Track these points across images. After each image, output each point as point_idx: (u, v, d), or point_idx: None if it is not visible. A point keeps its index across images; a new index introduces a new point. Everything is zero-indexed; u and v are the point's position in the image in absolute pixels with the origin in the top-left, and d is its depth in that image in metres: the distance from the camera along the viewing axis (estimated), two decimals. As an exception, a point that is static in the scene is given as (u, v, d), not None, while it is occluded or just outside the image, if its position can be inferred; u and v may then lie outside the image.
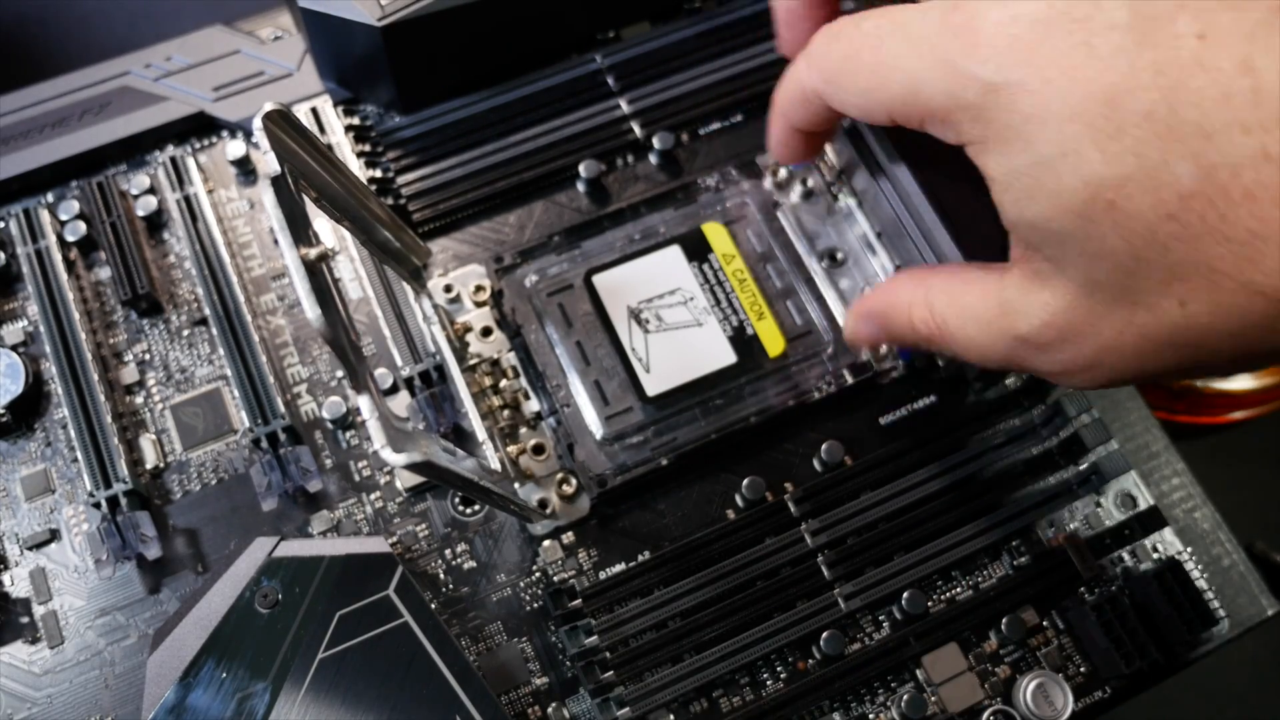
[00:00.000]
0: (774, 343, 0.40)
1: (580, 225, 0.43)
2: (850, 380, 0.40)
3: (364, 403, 0.26)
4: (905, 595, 0.37)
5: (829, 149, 0.42)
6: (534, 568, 0.38)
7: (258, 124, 0.26)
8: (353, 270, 0.43)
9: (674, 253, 0.41)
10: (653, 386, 0.39)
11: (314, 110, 0.44)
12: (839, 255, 0.41)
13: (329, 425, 0.40)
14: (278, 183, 0.26)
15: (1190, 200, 0.20)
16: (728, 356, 0.40)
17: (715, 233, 0.42)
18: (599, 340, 0.40)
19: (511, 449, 0.39)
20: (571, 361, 0.39)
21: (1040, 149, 0.22)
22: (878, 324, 0.32)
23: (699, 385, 0.39)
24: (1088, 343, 0.24)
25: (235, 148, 0.44)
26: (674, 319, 0.40)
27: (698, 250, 0.41)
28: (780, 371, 0.40)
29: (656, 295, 0.41)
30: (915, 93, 0.25)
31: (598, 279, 0.41)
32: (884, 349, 0.40)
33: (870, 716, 0.36)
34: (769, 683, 0.37)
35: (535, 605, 0.38)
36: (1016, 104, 0.22)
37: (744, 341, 0.40)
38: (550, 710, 0.36)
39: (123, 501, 0.37)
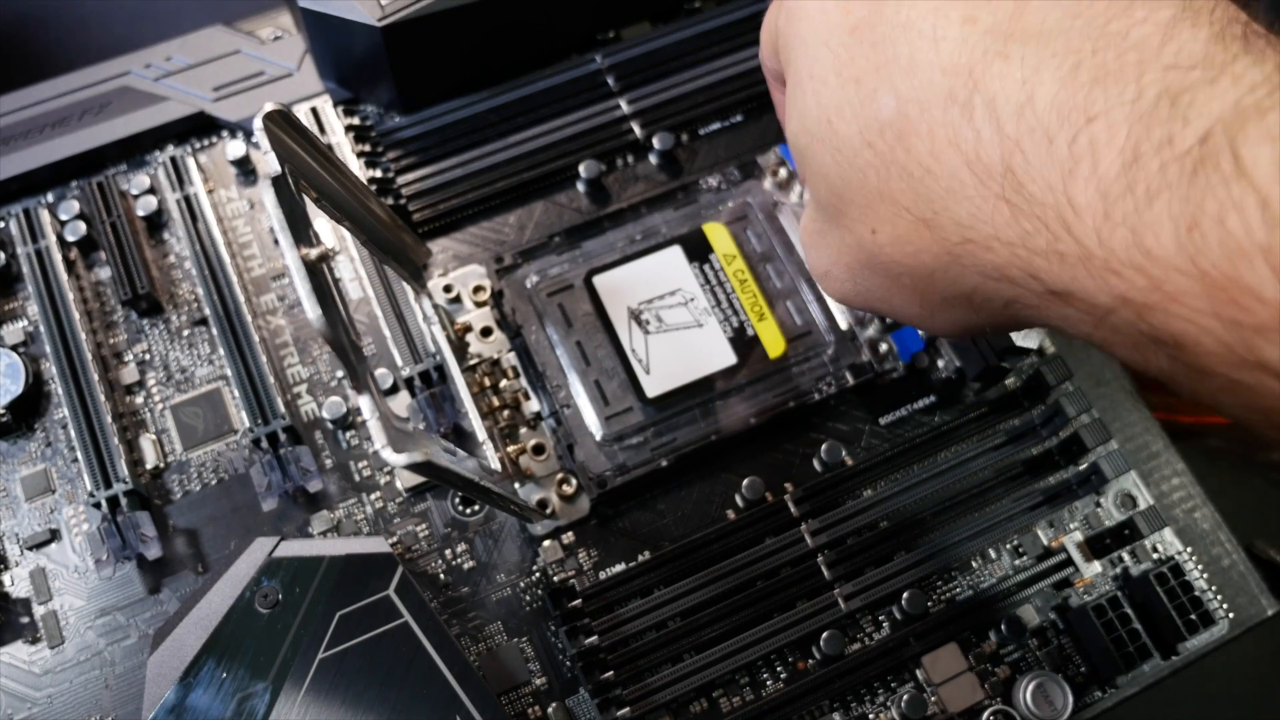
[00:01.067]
0: (775, 344, 0.40)
1: (581, 225, 0.43)
2: (851, 381, 0.40)
3: (364, 403, 0.26)
4: (905, 595, 0.37)
5: None
6: (534, 568, 0.38)
7: (258, 124, 0.26)
8: (353, 270, 0.43)
9: (674, 253, 0.41)
10: (653, 388, 0.39)
11: (314, 110, 0.44)
12: None
13: (329, 425, 0.40)
14: (278, 183, 0.26)
15: (885, 131, 0.21)
16: (728, 357, 0.39)
17: (716, 233, 0.42)
18: (599, 341, 0.40)
19: (511, 449, 0.39)
20: (572, 362, 0.39)
21: (800, 70, 0.24)
22: None
23: (699, 386, 0.39)
24: (821, 254, 0.26)
25: (235, 148, 0.44)
26: (674, 320, 0.40)
27: (698, 251, 0.41)
28: (781, 373, 0.40)
29: (657, 296, 0.41)
30: (765, 33, 0.27)
31: (598, 279, 0.41)
32: (884, 348, 0.40)
33: (870, 716, 0.36)
34: (769, 683, 0.37)
35: (535, 605, 0.38)
36: (798, 30, 0.24)
37: (744, 342, 0.40)
38: (550, 710, 0.36)
39: (123, 501, 0.37)
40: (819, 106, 0.23)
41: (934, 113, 0.20)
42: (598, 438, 0.38)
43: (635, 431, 0.39)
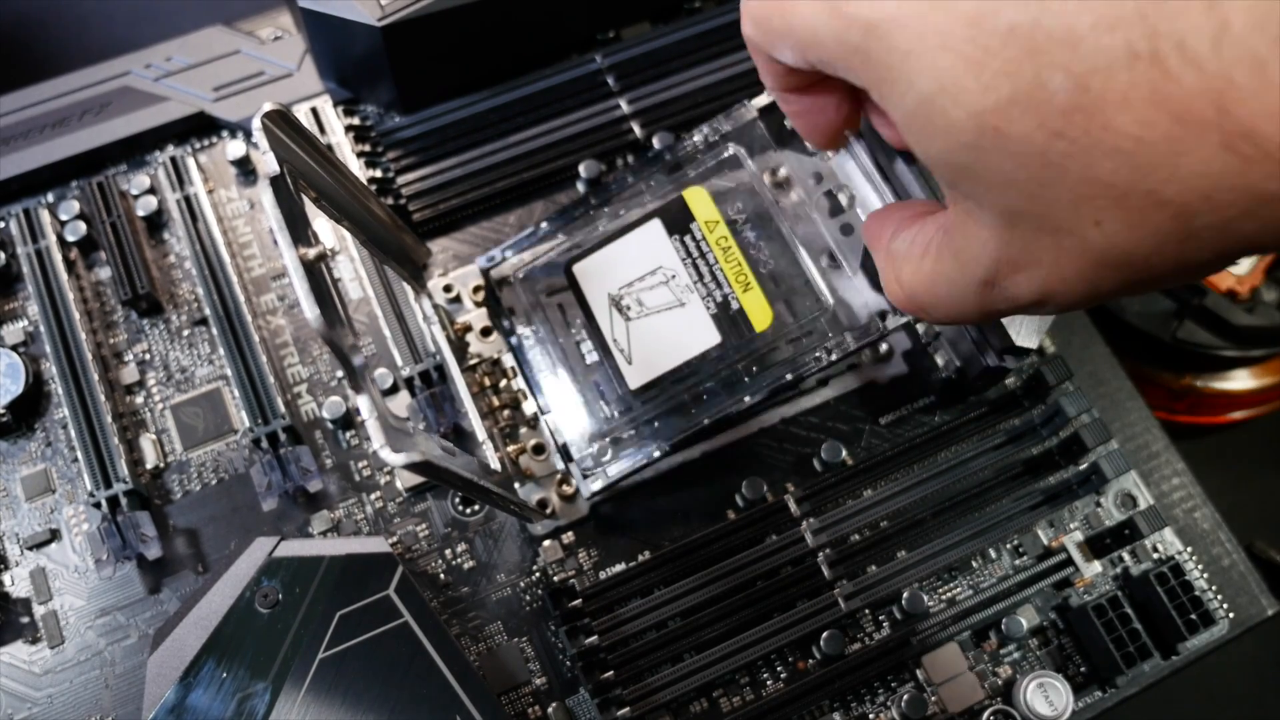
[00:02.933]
0: (761, 315, 0.37)
1: (565, 209, 0.41)
2: (853, 345, 0.35)
3: (363, 403, 0.26)
4: (905, 595, 0.37)
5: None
6: (534, 568, 0.38)
7: (256, 124, 0.26)
8: (353, 270, 0.43)
9: (654, 228, 0.38)
10: (635, 379, 0.38)
11: (314, 110, 0.44)
12: (841, 198, 0.36)
13: (329, 425, 0.40)
14: (277, 183, 0.26)
15: (1072, 114, 0.19)
16: (711, 337, 0.37)
17: (697, 198, 0.38)
18: (599, 340, 0.40)
19: (511, 449, 0.39)
20: (568, 361, 0.39)
21: (922, 86, 0.21)
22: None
23: (684, 372, 0.37)
24: (1035, 273, 0.23)
25: (235, 148, 0.44)
26: (655, 301, 0.38)
27: (679, 222, 0.38)
28: (772, 346, 0.37)
29: (637, 278, 0.38)
30: (815, 41, 0.24)
31: (578, 268, 0.39)
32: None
33: (870, 716, 0.36)
34: (769, 683, 0.37)
35: (535, 605, 0.38)
36: (894, 41, 0.21)
37: (729, 317, 0.37)
38: (550, 710, 0.36)
39: (123, 501, 0.37)
40: (972, 116, 0.20)
41: (1121, 76, 0.18)
42: (589, 435, 0.38)
43: (625, 427, 0.38)
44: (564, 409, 0.39)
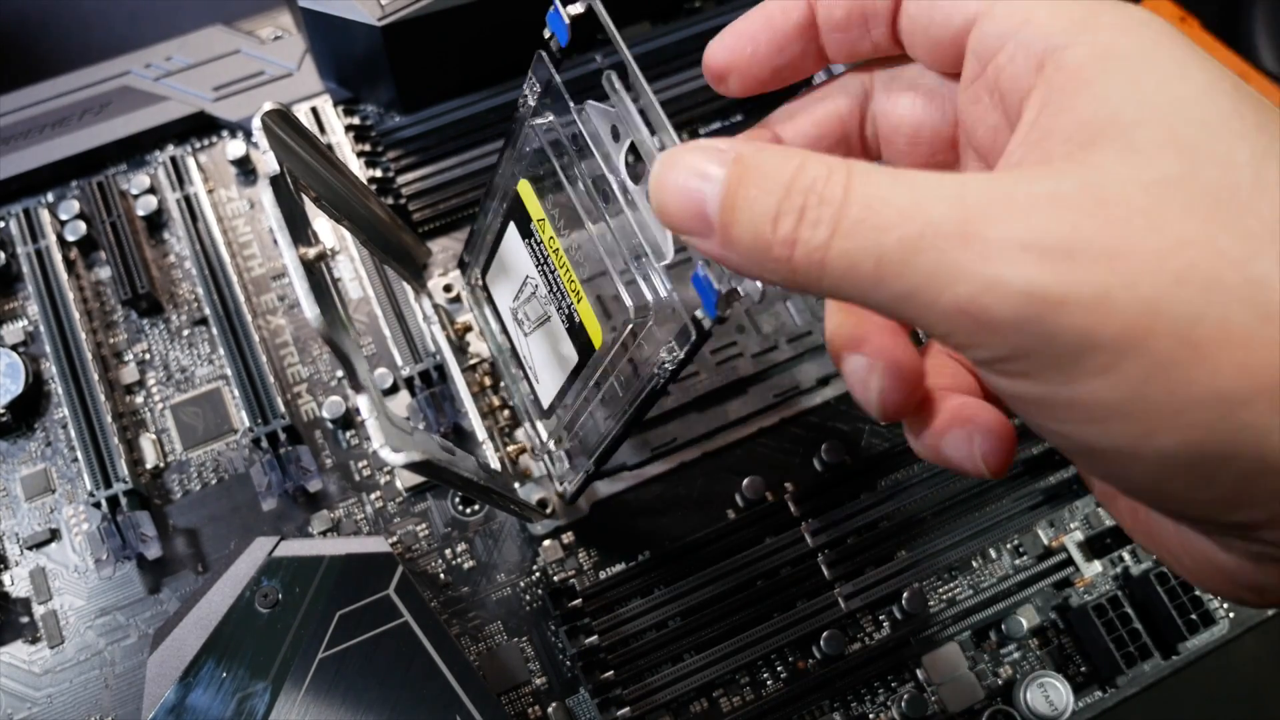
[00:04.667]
0: (594, 330, 0.30)
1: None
2: (681, 354, 0.26)
3: (363, 402, 0.26)
4: (905, 595, 0.37)
5: None
6: (534, 568, 0.38)
7: (257, 124, 0.26)
8: (353, 270, 0.43)
9: (513, 231, 0.33)
10: (544, 396, 0.34)
11: (314, 110, 0.44)
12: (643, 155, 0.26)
13: (329, 425, 0.40)
14: (277, 183, 0.26)
15: None
16: (574, 355, 0.32)
17: (526, 192, 0.32)
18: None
19: (511, 449, 0.39)
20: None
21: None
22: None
23: (568, 393, 0.33)
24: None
25: (235, 147, 0.44)
26: (533, 315, 0.33)
27: (523, 222, 0.32)
28: (613, 362, 0.30)
29: (519, 288, 0.34)
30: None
31: (489, 277, 0.36)
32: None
33: (870, 716, 0.36)
34: (769, 683, 0.37)
35: (535, 605, 0.38)
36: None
37: (577, 333, 0.31)
38: (550, 710, 0.36)
39: (123, 501, 0.37)
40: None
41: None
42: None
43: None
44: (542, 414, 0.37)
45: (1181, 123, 0.17)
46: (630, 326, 0.29)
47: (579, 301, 0.31)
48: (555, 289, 0.32)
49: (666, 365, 0.27)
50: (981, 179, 0.17)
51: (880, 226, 0.17)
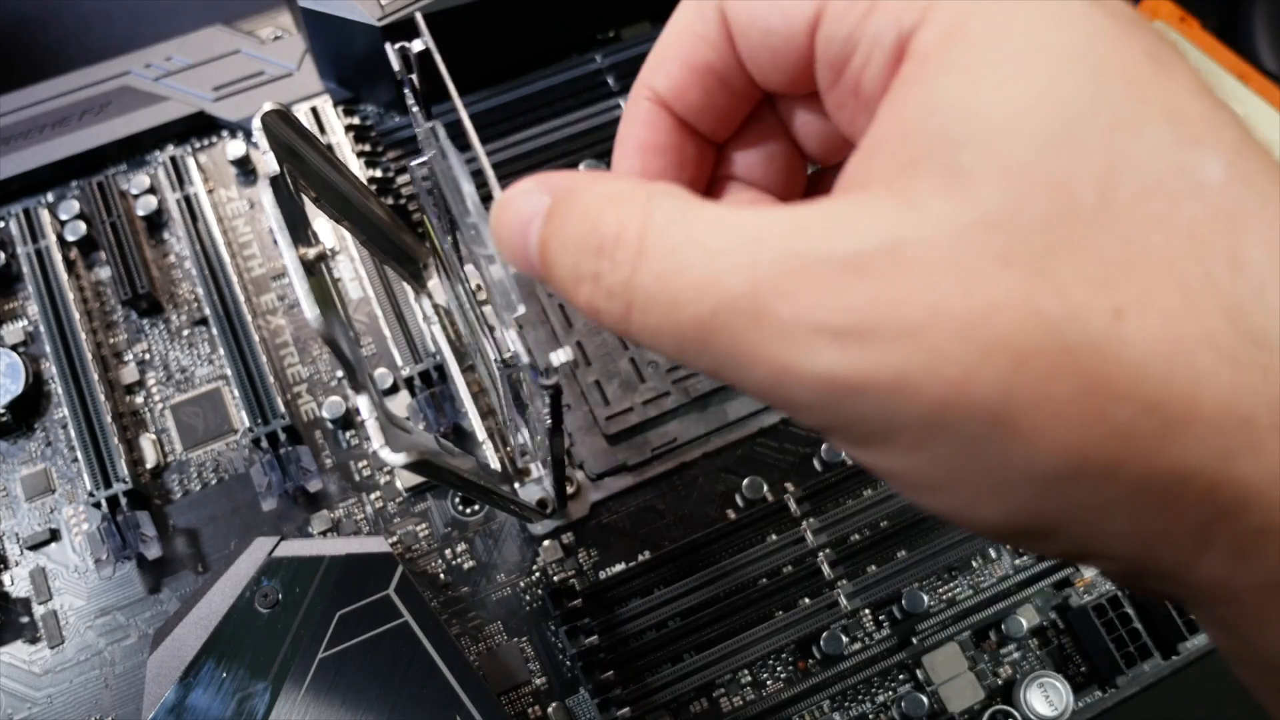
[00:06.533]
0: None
1: None
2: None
3: (363, 402, 0.26)
4: (905, 595, 0.37)
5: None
6: (534, 568, 0.38)
7: (257, 124, 0.26)
8: (353, 270, 0.43)
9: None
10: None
11: (314, 110, 0.44)
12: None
13: (329, 425, 0.40)
14: (277, 183, 0.26)
15: None
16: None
17: (428, 231, 0.33)
18: (599, 340, 0.40)
19: (511, 449, 0.39)
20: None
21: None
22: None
23: None
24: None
25: (235, 147, 0.44)
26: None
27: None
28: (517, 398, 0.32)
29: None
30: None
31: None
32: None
33: (870, 716, 0.36)
34: (769, 683, 0.37)
35: (535, 605, 0.38)
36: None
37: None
38: (550, 710, 0.36)
39: (123, 501, 0.37)
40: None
41: None
42: (598, 436, 0.38)
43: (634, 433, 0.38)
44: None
45: (1014, 136, 0.14)
46: (507, 371, 0.30)
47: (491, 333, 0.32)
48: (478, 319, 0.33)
49: (544, 409, 0.27)
50: (786, 227, 0.15)
51: (674, 304, 0.15)
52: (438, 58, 0.25)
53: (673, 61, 0.20)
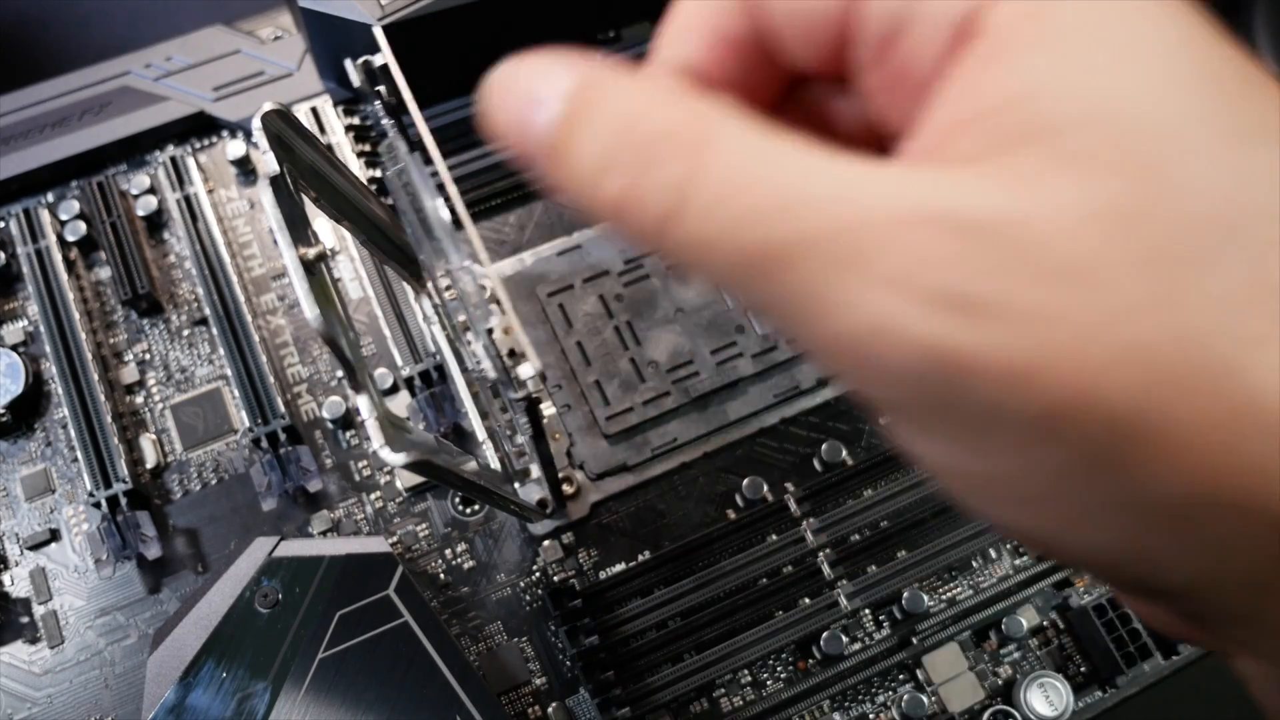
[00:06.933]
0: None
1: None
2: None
3: (363, 402, 0.26)
4: (905, 595, 0.37)
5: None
6: (534, 568, 0.38)
7: (257, 124, 0.26)
8: (353, 270, 0.43)
9: None
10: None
11: (314, 110, 0.44)
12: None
13: (329, 425, 0.40)
14: (276, 183, 0.26)
15: None
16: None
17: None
18: (599, 340, 0.40)
19: (511, 449, 0.39)
20: (572, 361, 0.39)
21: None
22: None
23: None
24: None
25: (235, 147, 0.44)
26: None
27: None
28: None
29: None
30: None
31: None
32: None
33: (870, 716, 0.36)
34: (769, 683, 0.37)
35: (535, 605, 0.38)
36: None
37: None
38: (550, 710, 0.36)
39: (123, 501, 0.37)
40: None
41: None
42: (598, 436, 0.38)
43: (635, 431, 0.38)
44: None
45: (1132, 129, 0.13)
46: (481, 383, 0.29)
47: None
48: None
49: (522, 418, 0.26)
50: (892, 175, 0.13)
51: (739, 219, 0.13)
52: (398, 74, 0.25)
53: (692, 32, 0.18)
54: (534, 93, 0.16)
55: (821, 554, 0.37)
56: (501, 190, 0.43)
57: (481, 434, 0.37)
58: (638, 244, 0.15)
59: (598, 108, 0.15)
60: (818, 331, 0.13)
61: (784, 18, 0.16)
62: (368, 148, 0.44)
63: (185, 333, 0.42)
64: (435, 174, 0.24)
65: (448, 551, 0.38)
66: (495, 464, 0.37)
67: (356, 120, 0.44)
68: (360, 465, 0.40)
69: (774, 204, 0.13)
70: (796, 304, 0.13)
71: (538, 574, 0.38)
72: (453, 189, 0.23)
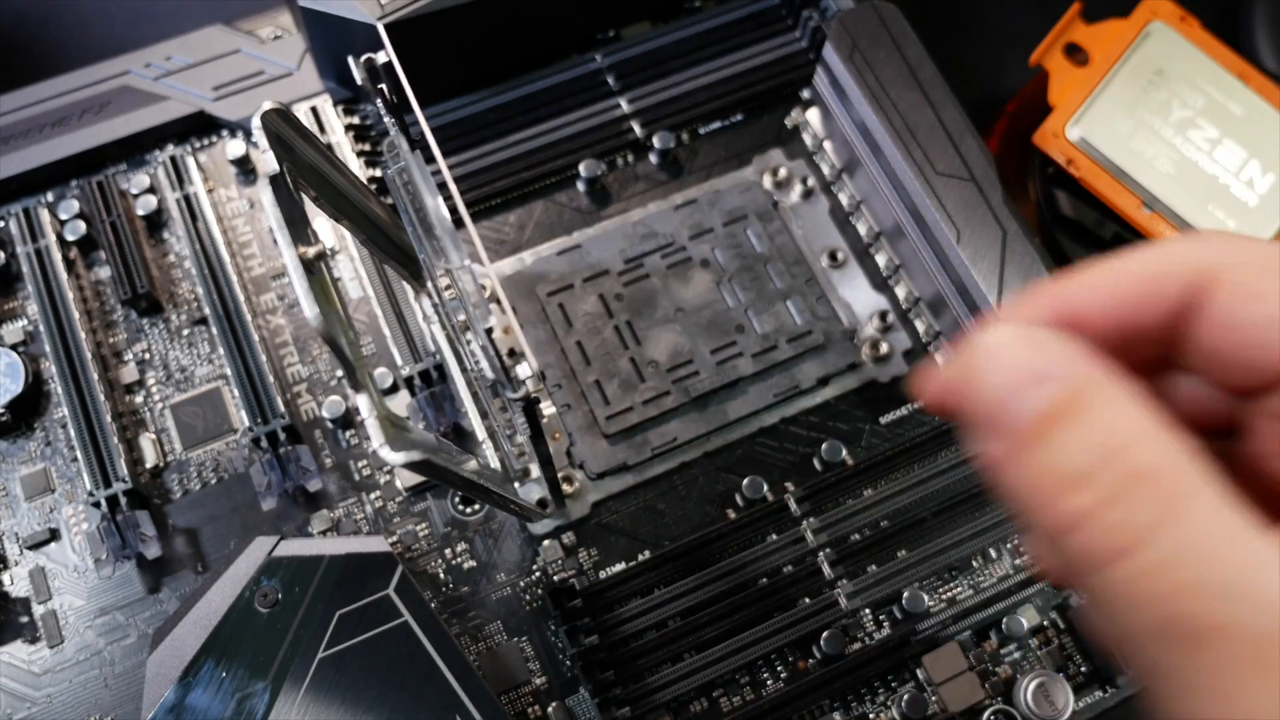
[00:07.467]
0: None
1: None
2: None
3: (363, 402, 0.26)
4: (905, 595, 0.37)
5: (828, 147, 0.41)
6: (534, 567, 0.38)
7: (257, 123, 0.26)
8: (353, 270, 0.43)
9: None
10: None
11: (314, 109, 0.44)
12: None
13: (329, 424, 0.40)
14: (276, 182, 0.26)
15: None
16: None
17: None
18: (599, 340, 0.40)
19: (511, 448, 0.39)
20: (572, 361, 0.39)
21: None
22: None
23: None
24: None
25: (235, 147, 0.44)
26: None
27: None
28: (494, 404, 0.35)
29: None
30: None
31: None
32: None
33: (870, 716, 0.36)
34: (769, 683, 0.37)
35: (535, 605, 0.38)
36: None
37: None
38: (550, 710, 0.36)
39: (122, 501, 0.37)
40: None
41: None
42: (598, 436, 0.38)
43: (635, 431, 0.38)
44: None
45: None
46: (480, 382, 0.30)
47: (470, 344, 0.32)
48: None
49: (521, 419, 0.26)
50: None
51: (1184, 588, 0.13)
52: (399, 71, 0.25)
53: (1103, 293, 0.18)
54: (1036, 370, 0.16)
55: (821, 554, 0.37)
56: (501, 190, 0.43)
57: (481, 433, 0.37)
58: (1063, 564, 0.15)
59: (1092, 414, 0.15)
60: (1192, 708, 0.13)
61: (1229, 356, 0.17)
62: (367, 147, 0.44)
63: (185, 332, 0.42)
64: (436, 173, 0.24)
65: (448, 551, 0.38)
66: (495, 463, 0.37)
67: (356, 119, 0.44)
68: (360, 465, 0.40)
69: (1222, 583, 0.13)
70: (1193, 683, 0.13)
71: (538, 574, 0.38)
72: (453, 188, 0.23)
